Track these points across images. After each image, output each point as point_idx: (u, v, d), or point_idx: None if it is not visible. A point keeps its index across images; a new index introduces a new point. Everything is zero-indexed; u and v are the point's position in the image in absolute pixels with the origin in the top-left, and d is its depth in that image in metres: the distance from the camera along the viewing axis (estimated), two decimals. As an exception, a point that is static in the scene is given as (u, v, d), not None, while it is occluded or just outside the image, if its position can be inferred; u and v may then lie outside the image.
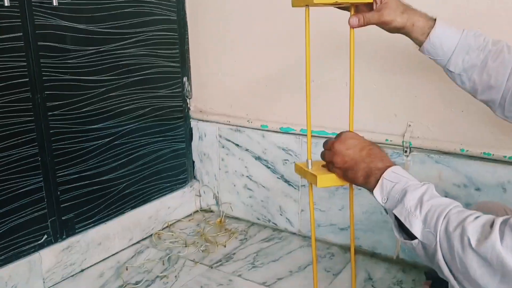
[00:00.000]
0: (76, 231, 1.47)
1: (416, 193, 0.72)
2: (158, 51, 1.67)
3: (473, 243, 0.61)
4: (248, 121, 1.74)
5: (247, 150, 1.76)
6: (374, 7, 0.91)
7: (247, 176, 1.79)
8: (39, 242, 1.36)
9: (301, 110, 1.62)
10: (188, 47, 1.82)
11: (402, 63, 1.39)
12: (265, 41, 1.65)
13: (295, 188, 1.68)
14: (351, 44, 0.95)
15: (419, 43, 0.92)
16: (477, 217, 0.65)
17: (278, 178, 1.71)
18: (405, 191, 0.73)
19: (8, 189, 1.27)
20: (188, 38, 1.81)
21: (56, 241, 1.41)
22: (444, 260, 0.66)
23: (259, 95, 1.72)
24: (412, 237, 0.71)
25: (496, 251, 0.59)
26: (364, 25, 0.92)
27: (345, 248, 1.61)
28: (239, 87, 1.76)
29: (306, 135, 1.60)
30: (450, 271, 0.66)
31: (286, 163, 1.67)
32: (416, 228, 0.69)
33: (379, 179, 0.77)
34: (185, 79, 1.82)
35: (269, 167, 1.72)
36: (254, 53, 1.69)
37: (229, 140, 1.80)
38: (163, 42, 1.69)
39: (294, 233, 1.72)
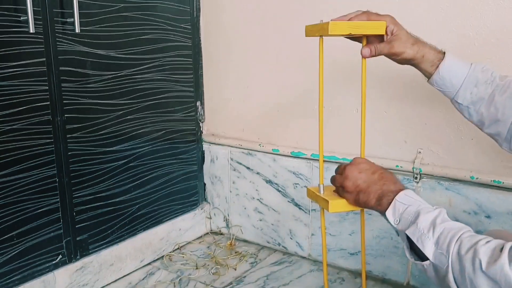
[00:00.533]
0: (90, 251, 1.49)
1: (429, 216, 0.74)
2: (173, 76, 1.72)
3: (484, 265, 0.64)
4: (259, 145, 1.77)
5: (258, 173, 1.78)
6: (385, 39, 0.94)
7: (257, 199, 1.81)
8: (54, 262, 1.39)
9: (312, 135, 1.66)
10: (202, 72, 1.87)
11: (412, 91, 1.42)
12: (277, 67, 1.69)
13: (305, 212, 1.69)
14: (363, 72, 0.98)
15: (428, 75, 0.95)
16: (488, 241, 0.67)
17: (288, 201, 1.73)
18: (418, 213, 0.76)
19: (26, 210, 1.30)
20: (202, 63, 1.86)
21: (70, 261, 1.43)
22: (455, 282, 0.68)
23: (270, 120, 1.75)
24: (423, 258, 0.74)
25: (504, 272, 0.61)
26: (375, 56, 0.95)
27: (355, 273, 1.61)
28: (251, 112, 1.80)
29: (317, 159, 1.63)
30: None
31: (296, 187, 1.69)
32: (428, 250, 0.72)
33: (391, 201, 0.80)
34: (198, 103, 1.86)
35: (279, 191, 1.74)
36: (266, 78, 1.73)
37: (240, 163, 1.82)
38: (178, 67, 1.73)
39: (304, 257, 1.73)
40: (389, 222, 0.80)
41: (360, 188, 0.86)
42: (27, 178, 1.29)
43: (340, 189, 0.91)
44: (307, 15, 1.58)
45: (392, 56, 0.94)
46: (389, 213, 0.80)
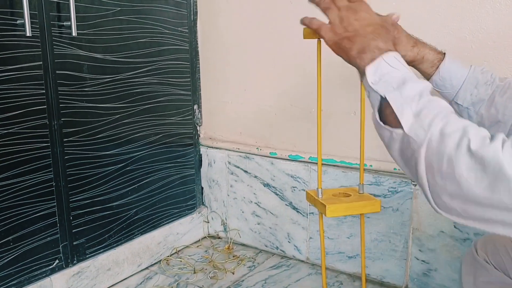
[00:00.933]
0: (87, 256, 1.48)
1: (417, 86, 0.68)
2: (170, 79, 1.71)
3: (473, 145, 0.59)
4: (257, 148, 1.76)
5: (255, 177, 1.78)
6: None
7: (255, 203, 1.80)
8: (51, 267, 1.38)
9: (309, 138, 1.66)
10: (199, 76, 1.87)
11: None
12: (275, 70, 1.69)
13: (303, 216, 1.69)
14: None
15: (428, 76, 0.95)
16: (478, 128, 0.63)
17: (286, 205, 1.72)
18: (405, 80, 0.69)
19: (23, 214, 1.29)
20: (199, 67, 1.86)
21: (67, 266, 1.42)
22: (425, 159, 0.63)
23: (268, 123, 1.75)
24: (395, 125, 0.67)
25: (497, 157, 0.58)
26: None
27: (354, 277, 1.61)
28: (248, 115, 1.80)
29: (315, 162, 1.63)
30: (426, 170, 0.63)
31: (294, 190, 1.69)
32: (405, 119, 0.65)
33: (375, 58, 0.71)
34: (195, 107, 1.85)
35: (277, 194, 1.74)
36: (263, 82, 1.73)
37: (238, 167, 1.82)
38: (175, 71, 1.73)
39: (302, 261, 1.73)
40: (364, 81, 0.71)
41: (347, 35, 0.76)
42: (24, 183, 1.28)
43: (324, 25, 0.81)
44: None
45: None
46: (369, 69, 0.71)
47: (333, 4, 0.78)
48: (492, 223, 0.61)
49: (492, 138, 0.61)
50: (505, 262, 0.95)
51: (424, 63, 0.93)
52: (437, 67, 0.92)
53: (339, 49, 0.77)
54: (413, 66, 0.95)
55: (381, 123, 0.69)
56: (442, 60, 0.92)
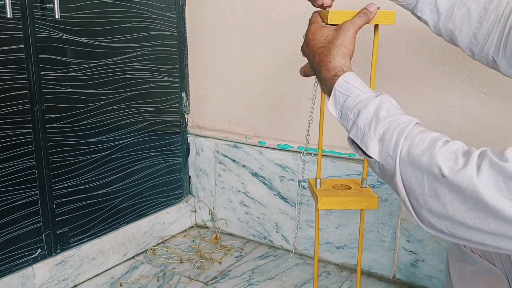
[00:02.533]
0: (71, 245, 1.45)
1: (370, 110, 0.67)
2: (157, 66, 1.68)
3: (446, 171, 0.58)
4: (245, 137, 1.74)
5: (244, 166, 1.76)
6: None
7: (243, 193, 1.78)
8: (33, 256, 1.35)
9: (299, 127, 1.64)
10: (187, 63, 1.83)
11: (399, 83, 1.41)
12: (264, 58, 1.67)
13: (291, 206, 1.67)
14: (373, 63, 0.94)
15: None
16: (446, 142, 0.61)
17: (274, 195, 1.70)
18: (358, 110, 0.68)
19: (4, 202, 1.25)
20: (187, 53, 1.82)
21: (50, 255, 1.39)
22: (403, 183, 0.63)
23: (257, 112, 1.73)
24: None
25: (472, 183, 0.56)
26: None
27: (341, 267, 1.60)
28: (237, 104, 1.77)
29: (303, 152, 1.61)
30: (407, 194, 0.63)
31: (283, 180, 1.67)
32: (372, 150, 0.65)
33: (331, 91, 0.72)
34: (183, 94, 1.82)
35: (266, 184, 1.72)
36: (252, 69, 1.70)
37: (226, 156, 1.79)
38: (163, 57, 1.69)
39: (290, 251, 1.71)
40: (332, 115, 0.73)
41: (312, 71, 0.80)
42: (5, 170, 1.24)
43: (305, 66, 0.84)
44: (294, 5, 1.55)
45: None
46: (330, 105, 0.72)
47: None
48: (483, 245, 0.60)
49: (466, 154, 0.58)
50: (490, 251, 0.94)
51: None
52: None
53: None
54: None
55: (358, 151, 0.70)
56: None
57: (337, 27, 0.79)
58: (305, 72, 0.85)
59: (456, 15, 0.85)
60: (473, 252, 0.97)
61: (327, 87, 0.74)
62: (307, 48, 0.80)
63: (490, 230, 0.57)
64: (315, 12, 0.85)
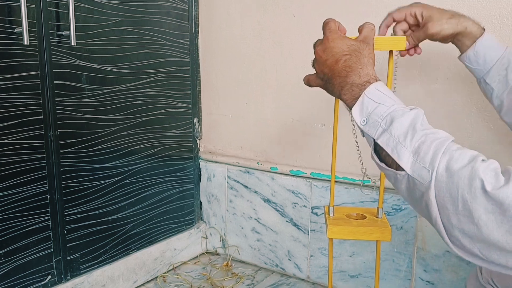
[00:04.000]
0: (81, 272, 1.43)
1: (405, 120, 0.64)
2: (170, 92, 1.69)
3: (488, 186, 0.55)
4: (257, 163, 1.73)
5: (256, 192, 1.74)
6: (420, 24, 0.91)
7: (255, 219, 1.76)
8: (43, 282, 1.33)
9: (311, 153, 1.63)
10: (200, 89, 1.84)
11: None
12: (276, 84, 1.67)
13: (304, 233, 1.65)
14: (389, 73, 0.94)
15: (463, 50, 0.91)
16: (484, 160, 0.58)
17: (287, 221, 1.68)
18: (393, 117, 0.65)
19: (16, 227, 1.25)
20: (200, 79, 1.83)
21: (60, 281, 1.37)
22: (436, 200, 0.59)
23: (269, 137, 1.72)
24: (397, 167, 0.64)
25: None
26: (417, 45, 0.94)
27: (356, 296, 1.56)
28: (249, 129, 1.77)
29: (316, 178, 1.59)
30: (439, 211, 0.59)
31: (295, 206, 1.65)
32: (404, 161, 0.62)
33: (358, 96, 0.69)
34: (195, 120, 1.83)
35: (278, 210, 1.70)
36: (265, 95, 1.70)
37: (237, 182, 1.78)
38: (176, 83, 1.71)
39: (302, 279, 1.68)
40: (354, 121, 0.69)
41: (326, 78, 0.76)
42: (17, 195, 1.24)
43: (311, 76, 0.82)
44: (306, 31, 1.56)
45: (431, 38, 0.91)
46: (355, 110, 0.68)
47: (315, 51, 0.79)
48: None
49: (506, 173, 0.56)
50: (511, 285, 0.91)
51: (467, 36, 0.89)
52: (475, 41, 0.88)
53: (328, 92, 0.78)
54: (454, 39, 0.92)
55: (382, 164, 0.66)
56: (481, 35, 0.88)
57: (361, 38, 0.78)
58: (308, 81, 0.83)
59: None
60: (492, 285, 0.94)
61: (352, 93, 0.70)
62: (323, 54, 0.76)
63: None
64: (332, 19, 0.82)
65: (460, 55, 0.93)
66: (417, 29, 0.92)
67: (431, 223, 0.62)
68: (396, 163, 0.63)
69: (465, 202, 0.56)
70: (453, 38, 0.92)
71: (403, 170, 0.62)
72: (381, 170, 0.68)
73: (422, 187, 0.60)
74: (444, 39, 0.92)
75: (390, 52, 0.93)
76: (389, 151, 0.64)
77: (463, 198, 0.56)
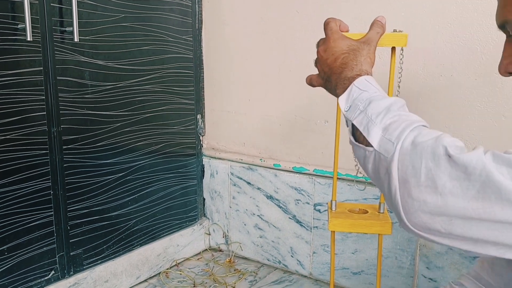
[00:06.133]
0: (84, 267, 1.44)
1: (383, 103, 0.65)
2: (174, 88, 1.69)
3: (452, 151, 0.54)
4: (260, 159, 1.73)
5: (259, 189, 1.74)
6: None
7: (258, 216, 1.76)
8: (46, 278, 1.34)
9: (314, 149, 1.62)
10: (203, 85, 1.84)
11: (419, 106, 1.39)
12: (279, 81, 1.67)
13: (307, 229, 1.65)
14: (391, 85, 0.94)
15: None
16: (454, 138, 0.58)
17: (290, 218, 1.68)
18: (370, 101, 0.66)
19: (19, 223, 1.25)
20: (203, 76, 1.83)
21: (63, 277, 1.38)
22: (398, 173, 0.58)
23: (272, 134, 1.72)
24: (367, 143, 0.64)
25: (482, 161, 0.52)
26: None
27: (358, 293, 1.56)
28: (252, 126, 1.77)
29: (319, 175, 1.59)
30: (399, 185, 0.57)
31: (298, 203, 1.65)
32: (373, 136, 0.62)
33: (347, 88, 0.70)
34: (198, 116, 1.83)
35: (280, 207, 1.70)
36: (268, 92, 1.70)
37: (241, 178, 1.78)
38: (179, 79, 1.71)
39: (305, 276, 1.68)
40: (341, 109, 0.70)
41: (326, 77, 0.78)
42: (21, 190, 1.25)
43: (313, 76, 0.83)
44: (310, 29, 1.56)
45: None
46: (342, 99, 0.69)
47: (317, 51, 0.80)
48: (482, 243, 0.54)
49: (470, 149, 0.55)
50: (511, 282, 0.90)
51: None
52: None
53: (328, 91, 0.79)
54: None
55: (355, 142, 0.67)
56: None
57: (364, 40, 0.78)
58: (311, 81, 0.84)
59: None
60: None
61: (343, 85, 0.72)
62: (324, 54, 0.78)
63: (497, 220, 0.52)
64: (333, 19, 0.83)
65: None
66: None
67: (389, 204, 0.61)
68: (367, 140, 0.63)
69: (428, 171, 0.55)
70: None
71: (372, 146, 0.62)
72: (354, 151, 0.68)
73: (385, 162, 0.60)
74: None
75: (393, 48, 0.93)
76: (361, 128, 0.64)
77: (427, 167, 0.55)
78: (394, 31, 0.90)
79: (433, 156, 0.55)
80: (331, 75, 0.76)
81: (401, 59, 0.96)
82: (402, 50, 0.96)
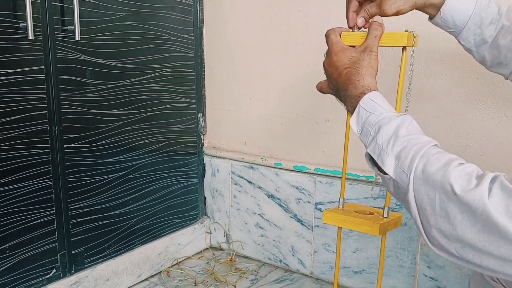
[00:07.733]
0: (85, 266, 1.44)
1: (390, 127, 0.68)
2: (175, 87, 1.69)
3: (457, 189, 0.58)
4: (261, 158, 1.73)
5: (260, 187, 1.74)
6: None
7: (259, 214, 1.76)
8: (48, 276, 1.34)
9: (316, 148, 1.62)
10: (204, 84, 1.84)
11: (420, 107, 1.39)
12: (280, 80, 1.67)
13: (308, 228, 1.65)
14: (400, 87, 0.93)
15: (431, 17, 0.88)
16: (461, 164, 0.61)
17: (291, 217, 1.68)
18: (379, 126, 0.69)
19: (20, 221, 1.25)
20: (204, 75, 1.83)
21: (64, 275, 1.38)
22: (415, 201, 0.63)
23: (273, 133, 1.72)
24: (384, 171, 0.68)
25: (483, 202, 0.56)
26: (370, 19, 0.87)
27: (359, 292, 1.56)
28: (253, 125, 1.77)
29: (320, 174, 1.59)
30: (418, 212, 0.63)
31: (299, 202, 1.65)
32: (388, 166, 0.66)
33: (355, 107, 0.74)
34: (200, 115, 1.83)
35: (282, 206, 1.70)
36: (269, 91, 1.70)
37: (242, 177, 1.78)
38: (180, 78, 1.71)
39: (306, 275, 1.68)
40: (354, 131, 0.74)
41: (336, 88, 0.80)
42: (22, 189, 1.25)
43: (324, 83, 0.85)
44: (311, 27, 1.56)
45: (389, 15, 0.85)
46: (352, 121, 0.73)
47: (323, 64, 0.83)
48: (494, 272, 0.59)
49: (479, 177, 0.59)
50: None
51: (429, 7, 0.85)
52: (439, 10, 0.85)
53: (339, 101, 0.82)
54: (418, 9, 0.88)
55: (374, 168, 0.71)
56: (444, 2, 0.84)
57: (362, 49, 0.80)
58: (321, 88, 0.87)
59: (501, 43, 0.85)
60: (495, 281, 0.93)
61: (352, 105, 0.75)
62: (329, 68, 0.81)
63: (499, 254, 0.57)
64: (333, 30, 0.84)
65: (430, 20, 0.89)
66: (371, 4, 0.85)
67: (414, 223, 0.66)
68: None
69: (442, 202, 0.60)
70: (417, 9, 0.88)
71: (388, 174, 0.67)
72: (375, 172, 0.73)
73: (403, 190, 0.65)
74: (404, 13, 0.87)
75: (404, 48, 0.92)
76: (375, 158, 0.69)
77: (440, 199, 0.60)
78: (405, 31, 0.89)
79: (443, 191, 0.60)
80: (339, 89, 0.79)
81: (411, 60, 0.96)
82: (413, 51, 0.96)
